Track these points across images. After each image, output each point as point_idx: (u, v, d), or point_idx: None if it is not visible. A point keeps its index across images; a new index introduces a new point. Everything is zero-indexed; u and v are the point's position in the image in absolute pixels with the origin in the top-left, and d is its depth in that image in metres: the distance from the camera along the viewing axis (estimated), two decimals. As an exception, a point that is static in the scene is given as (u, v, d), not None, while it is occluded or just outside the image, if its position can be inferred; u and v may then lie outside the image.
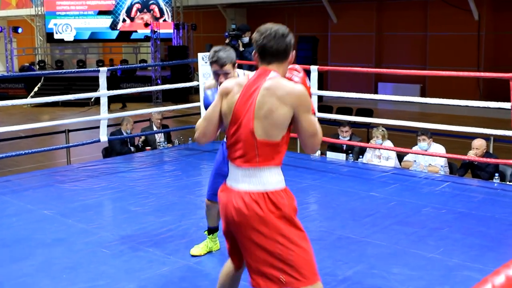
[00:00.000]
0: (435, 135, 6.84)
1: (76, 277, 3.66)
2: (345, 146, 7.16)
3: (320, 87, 7.18)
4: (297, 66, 2.50)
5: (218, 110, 2.47)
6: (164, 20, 20.79)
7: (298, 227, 2.37)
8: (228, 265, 2.72)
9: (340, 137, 7.13)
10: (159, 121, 7.95)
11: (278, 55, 2.40)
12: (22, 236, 4.40)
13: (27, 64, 23.04)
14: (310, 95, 2.44)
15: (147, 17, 20.82)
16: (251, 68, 6.73)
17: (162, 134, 8.05)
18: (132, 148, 7.77)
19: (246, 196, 2.33)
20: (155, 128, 7.98)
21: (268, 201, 2.32)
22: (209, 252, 4.03)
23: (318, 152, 7.23)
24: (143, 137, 7.95)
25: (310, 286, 2.36)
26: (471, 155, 6.17)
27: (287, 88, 2.33)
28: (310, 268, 2.37)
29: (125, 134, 7.62)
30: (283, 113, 2.30)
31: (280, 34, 2.38)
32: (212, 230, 4.05)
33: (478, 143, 6.16)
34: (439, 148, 6.47)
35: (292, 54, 2.44)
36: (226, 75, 3.48)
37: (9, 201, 5.32)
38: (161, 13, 21.01)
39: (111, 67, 9.03)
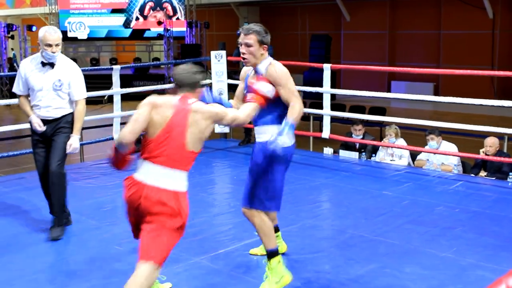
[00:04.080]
0: (449, 134, 6.80)
1: (89, 273, 3.69)
2: (358, 144, 7.14)
3: (333, 86, 7.17)
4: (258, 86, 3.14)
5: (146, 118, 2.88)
6: (177, 19, 20.83)
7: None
8: None
9: (353, 135, 7.11)
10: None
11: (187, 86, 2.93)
12: (35, 233, 4.43)
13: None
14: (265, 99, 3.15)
15: (160, 15, 20.86)
16: None
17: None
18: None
19: (161, 191, 2.81)
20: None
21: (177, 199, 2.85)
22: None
23: (331, 151, 7.22)
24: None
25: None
26: (483, 154, 6.12)
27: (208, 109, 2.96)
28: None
29: (138, 132, 7.63)
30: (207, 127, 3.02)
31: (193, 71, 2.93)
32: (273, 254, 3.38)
33: (491, 141, 6.11)
34: (450, 147, 6.43)
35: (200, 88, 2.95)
36: (248, 47, 3.26)
37: (23, 198, 5.37)
38: (174, 11, 21.04)
39: (124, 65, 9.04)
